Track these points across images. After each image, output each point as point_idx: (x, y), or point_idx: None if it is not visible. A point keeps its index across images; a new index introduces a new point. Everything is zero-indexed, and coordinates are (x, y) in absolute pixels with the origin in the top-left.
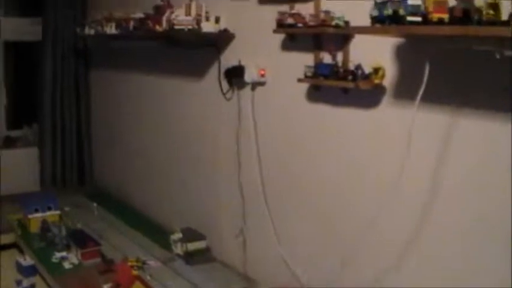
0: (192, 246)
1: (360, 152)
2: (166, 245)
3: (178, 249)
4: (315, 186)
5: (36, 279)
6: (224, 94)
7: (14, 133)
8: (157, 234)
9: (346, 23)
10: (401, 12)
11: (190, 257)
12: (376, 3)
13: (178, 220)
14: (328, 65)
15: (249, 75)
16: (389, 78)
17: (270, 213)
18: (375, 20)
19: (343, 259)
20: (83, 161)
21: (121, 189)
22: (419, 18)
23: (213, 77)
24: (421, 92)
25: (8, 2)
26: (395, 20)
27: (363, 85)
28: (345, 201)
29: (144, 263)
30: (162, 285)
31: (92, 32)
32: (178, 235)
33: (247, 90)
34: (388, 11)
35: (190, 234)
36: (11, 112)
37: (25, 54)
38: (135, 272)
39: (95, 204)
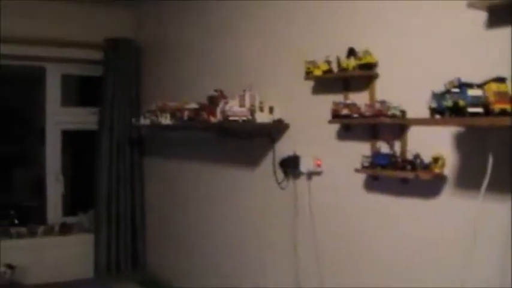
0: None
1: (421, 243)
2: None
3: None
4: (374, 279)
5: None
6: (279, 183)
7: (70, 219)
8: None
9: (403, 112)
10: (462, 103)
11: None
12: (434, 95)
13: None
14: (385, 155)
15: (305, 165)
16: (449, 168)
17: None
18: (434, 111)
19: None
20: (137, 247)
21: (175, 277)
22: (480, 109)
23: (267, 167)
24: (485, 183)
25: (66, 93)
26: (455, 111)
27: (423, 175)
28: None
29: None
30: None
31: (147, 122)
32: None
33: (302, 180)
34: (448, 103)
35: None
36: (67, 199)
37: (82, 143)
38: None
39: None
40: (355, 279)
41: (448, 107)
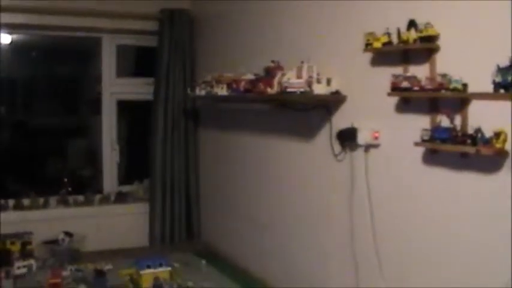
0: None
1: (480, 219)
2: None
3: None
4: (433, 254)
5: None
6: (336, 156)
7: (125, 188)
8: None
9: (465, 85)
10: None
11: None
12: (499, 69)
13: (287, 282)
14: (446, 129)
15: (362, 138)
16: (511, 143)
17: (384, 280)
18: (498, 85)
19: None
20: (191, 217)
21: (228, 247)
22: None
23: (324, 139)
24: None
25: (121, 63)
26: None
27: (484, 150)
28: (467, 272)
29: None
30: None
31: (203, 93)
32: None
33: (359, 152)
34: None
35: None
36: (123, 168)
37: (137, 113)
38: None
39: (203, 262)
40: (412, 256)
41: None
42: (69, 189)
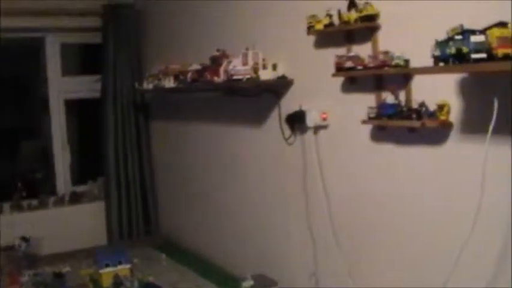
0: None
1: (430, 190)
2: None
3: None
4: (386, 228)
5: None
6: (286, 140)
7: (79, 188)
8: (229, 282)
9: (407, 61)
10: (465, 50)
11: None
12: (437, 43)
13: (248, 267)
14: (391, 105)
15: (311, 119)
16: (454, 115)
17: (342, 255)
18: (437, 59)
19: None
20: (149, 211)
21: (188, 238)
22: (484, 55)
23: (274, 124)
24: (491, 128)
25: (66, 62)
26: (459, 58)
27: (429, 123)
28: (418, 242)
29: None
30: None
31: (150, 86)
32: (249, 282)
33: (309, 134)
34: (451, 50)
35: (262, 281)
36: (75, 168)
37: (87, 111)
38: None
39: (163, 256)
40: (366, 229)
41: (451, 54)
42: (23, 194)
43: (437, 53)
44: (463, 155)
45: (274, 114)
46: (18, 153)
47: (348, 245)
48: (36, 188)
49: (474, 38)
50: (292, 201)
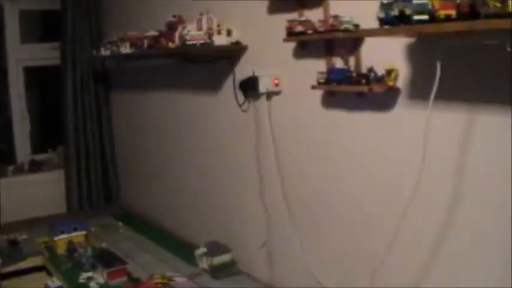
0: (218, 260)
1: (378, 155)
2: (192, 261)
3: (204, 263)
4: (336, 194)
5: None
6: (240, 106)
7: (39, 157)
8: (183, 250)
9: (356, 26)
10: (408, 11)
11: (216, 271)
12: (382, 5)
13: (203, 235)
14: (340, 70)
15: (264, 86)
16: (403, 80)
17: (294, 224)
18: (382, 21)
19: (371, 271)
20: (109, 181)
21: (146, 207)
22: (426, 17)
23: (229, 90)
24: (433, 92)
25: (25, 29)
26: (402, 19)
27: (377, 88)
28: (367, 208)
29: (170, 279)
30: None
31: (108, 52)
32: (203, 249)
33: (262, 100)
34: (395, 12)
35: (215, 248)
36: (35, 136)
37: (46, 79)
38: None
39: (120, 224)
40: (317, 196)
41: (395, 16)
42: None
43: (382, 15)
44: (408, 121)
45: (229, 81)
46: None
47: (300, 212)
48: None
49: (417, 0)
50: (246, 169)
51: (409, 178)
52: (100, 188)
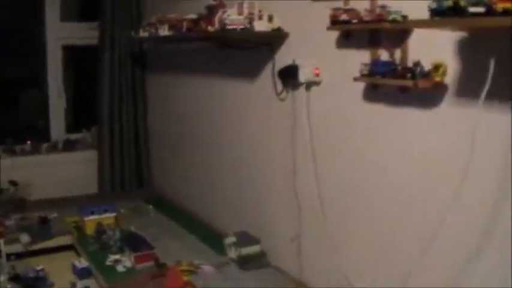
0: (246, 250)
1: (420, 154)
2: (220, 250)
3: (232, 253)
4: (374, 191)
5: (90, 282)
6: (278, 95)
7: (73, 136)
8: (213, 238)
9: (404, 17)
10: (463, 3)
11: (244, 262)
12: None
13: (234, 225)
14: (385, 63)
15: (304, 75)
16: (451, 76)
17: (326, 220)
18: (434, 12)
19: (404, 272)
20: (141, 164)
21: (178, 193)
22: (482, 9)
23: (267, 78)
24: (485, 90)
25: (65, 7)
26: (456, 11)
27: (422, 83)
28: (406, 206)
29: (197, 267)
30: None
31: (146, 34)
32: (232, 239)
33: (301, 90)
34: (449, 3)
35: (245, 238)
36: (70, 115)
37: (83, 58)
38: (186, 277)
39: (150, 207)
40: (352, 191)
41: (448, 7)
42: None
43: (434, 5)
44: (455, 119)
45: (268, 68)
46: (17, 101)
47: (333, 209)
48: (32, 134)
49: None
50: (280, 160)
51: (452, 178)
52: (132, 170)
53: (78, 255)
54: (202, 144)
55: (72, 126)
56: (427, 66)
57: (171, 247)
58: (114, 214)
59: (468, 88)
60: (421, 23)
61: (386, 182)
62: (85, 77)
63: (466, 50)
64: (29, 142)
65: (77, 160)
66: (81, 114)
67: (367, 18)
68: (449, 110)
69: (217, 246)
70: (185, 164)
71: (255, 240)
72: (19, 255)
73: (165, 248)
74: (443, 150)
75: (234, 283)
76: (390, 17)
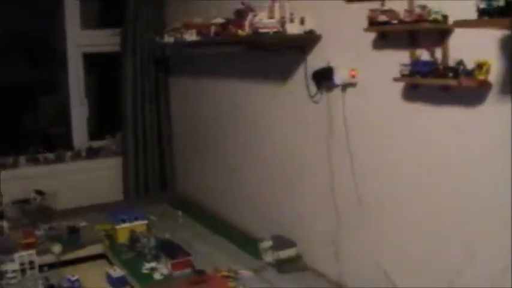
0: (284, 254)
1: (465, 154)
2: (255, 254)
3: (269, 257)
4: (417, 193)
5: None
6: (312, 97)
7: (96, 144)
8: (245, 242)
9: (445, 17)
10: None
11: (282, 266)
12: None
13: (266, 228)
14: (426, 63)
15: (339, 77)
16: (494, 74)
17: (366, 221)
18: (483, 12)
19: (450, 278)
20: (165, 168)
21: (204, 197)
22: None
23: (299, 80)
24: None
25: (86, 15)
26: (508, 11)
27: (467, 82)
28: (447, 211)
29: (236, 273)
30: None
31: (172, 39)
32: (268, 243)
33: (336, 92)
34: (500, 2)
35: (281, 242)
36: (93, 123)
37: (105, 65)
38: (231, 284)
39: (179, 213)
40: (392, 193)
41: (499, 7)
42: (40, 148)
43: (483, 5)
44: (500, 119)
45: (300, 71)
46: (38, 108)
47: (374, 214)
48: (54, 142)
49: None
50: (315, 163)
51: (497, 175)
52: (156, 174)
53: (111, 264)
54: (231, 147)
55: (95, 133)
56: (469, 65)
57: (205, 253)
58: (145, 222)
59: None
60: (470, 23)
61: (427, 184)
62: (107, 83)
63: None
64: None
65: (101, 167)
66: (104, 121)
67: (407, 19)
68: (493, 108)
69: (251, 250)
70: (212, 167)
71: (291, 244)
72: (51, 266)
73: (199, 254)
74: (488, 149)
75: (274, 287)
76: (431, 17)
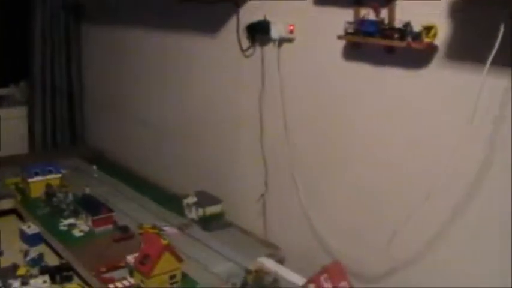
0: (209, 210)
1: (406, 114)
2: (178, 211)
3: (193, 214)
4: (350, 153)
5: (43, 249)
6: (244, 51)
7: (0, 91)
8: (166, 199)
9: None
10: None
11: (207, 223)
12: None
13: (191, 185)
14: (373, 22)
15: (276, 31)
16: (440, 39)
17: (297, 179)
18: None
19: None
20: (75, 120)
21: (119, 152)
22: None
23: (230, 34)
24: (492, 55)
25: None
26: None
27: (415, 44)
28: (385, 172)
29: (160, 229)
30: (185, 254)
31: None
32: (192, 199)
33: (271, 47)
34: None
35: (206, 198)
36: None
37: (13, 10)
38: (165, 241)
39: (94, 167)
40: (326, 155)
41: None
42: None
43: None
44: (444, 82)
45: (232, 24)
46: None
47: (304, 175)
48: None
49: None
50: (246, 118)
51: (438, 142)
52: (65, 127)
53: (22, 220)
54: (151, 102)
55: None
56: (415, 27)
57: (126, 209)
58: (59, 175)
59: (461, 52)
60: None
61: (365, 144)
62: (14, 28)
63: (461, 15)
64: None
65: (4, 117)
66: (8, 68)
67: None
68: (437, 70)
69: (174, 208)
70: (130, 122)
71: (216, 200)
72: None
73: (119, 210)
74: (433, 112)
75: (201, 244)
76: None
